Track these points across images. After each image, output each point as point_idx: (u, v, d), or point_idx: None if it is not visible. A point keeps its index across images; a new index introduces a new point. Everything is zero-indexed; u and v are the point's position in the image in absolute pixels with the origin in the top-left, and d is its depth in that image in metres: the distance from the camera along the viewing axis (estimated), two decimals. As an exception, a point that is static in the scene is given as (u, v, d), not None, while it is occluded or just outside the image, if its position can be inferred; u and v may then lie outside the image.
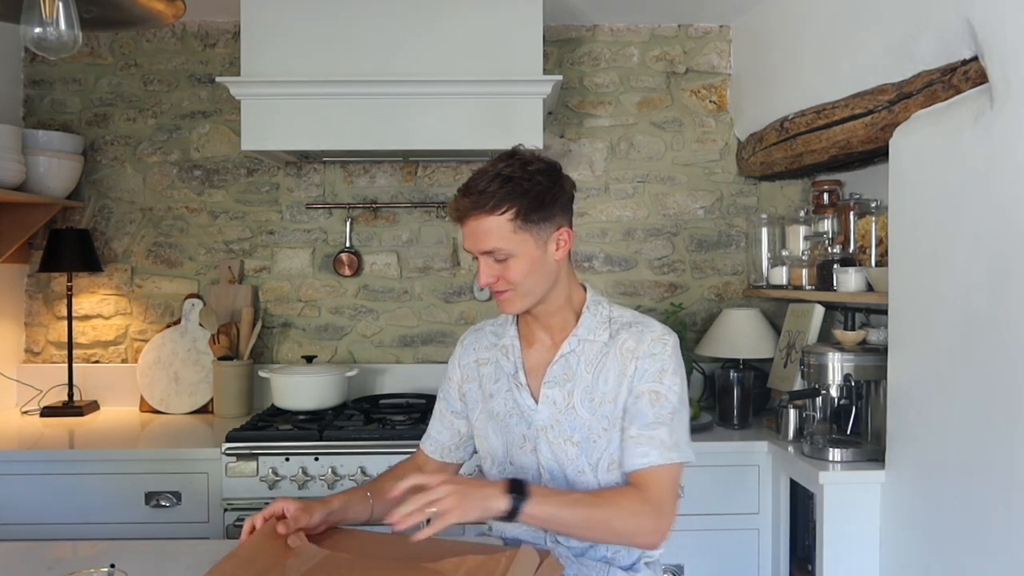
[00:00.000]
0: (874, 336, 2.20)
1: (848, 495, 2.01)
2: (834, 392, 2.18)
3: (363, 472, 2.27)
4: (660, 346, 1.47)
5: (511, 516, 1.29)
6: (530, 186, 1.42)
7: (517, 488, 1.31)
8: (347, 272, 2.88)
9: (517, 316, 1.58)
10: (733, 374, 2.56)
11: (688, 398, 1.52)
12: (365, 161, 2.89)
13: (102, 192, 2.89)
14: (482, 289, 2.88)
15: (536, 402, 1.51)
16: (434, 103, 2.45)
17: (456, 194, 1.45)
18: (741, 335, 2.69)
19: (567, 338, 1.51)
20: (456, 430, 1.65)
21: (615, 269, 2.94)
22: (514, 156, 1.45)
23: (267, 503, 2.22)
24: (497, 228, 1.41)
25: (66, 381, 2.76)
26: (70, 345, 2.74)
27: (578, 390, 1.48)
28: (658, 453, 1.41)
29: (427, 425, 1.70)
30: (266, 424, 2.43)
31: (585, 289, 1.57)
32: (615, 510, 1.37)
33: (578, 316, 1.53)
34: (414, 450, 1.72)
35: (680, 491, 1.47)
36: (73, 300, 2.78)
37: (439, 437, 1.67)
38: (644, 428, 1.43)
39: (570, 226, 1.50)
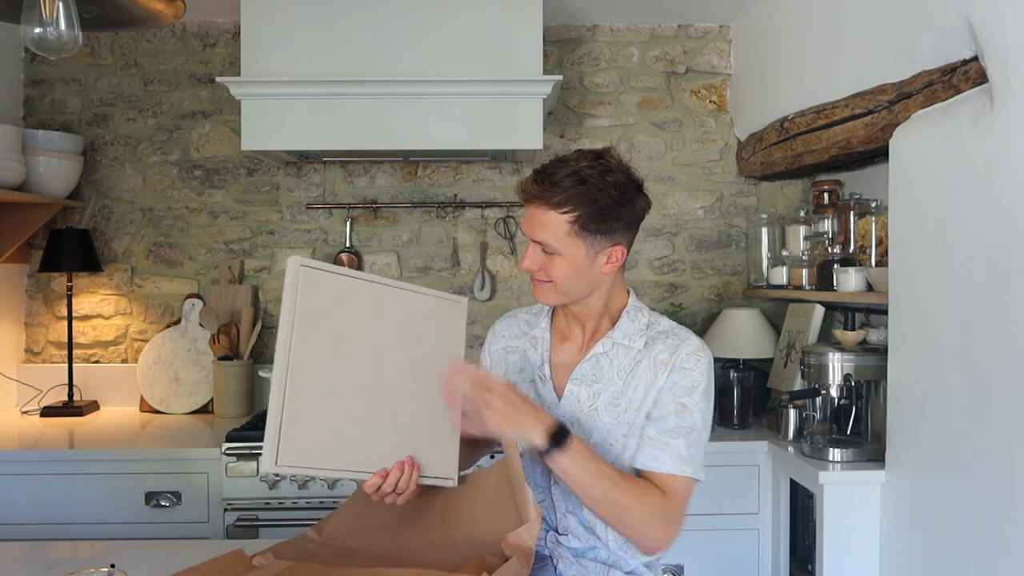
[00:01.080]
0: (874, 336, 2.20)
1: (848, 495, 2.01)
2: (834, 392, 2.18)
3: (363, 472, 2.27)
4: (694, 361, 1.45)
5: (542, 457, 1.32)
6: (600, 196, 1.38)
7: (560, 435, 1.31)
8: (347, 272, 2.88)
9: (553, 308, 1.58)
10: (733, 374, 2.56)
11: (711, 421, 1.49)
12: (365, 161, 2.89)
13: (102, 192, 2.89)
14: (482, 288, 2.88)
15: (559, 397, 1.51)
16: (434, 103, 2.45)
17: (530, 174, 1.43)
18: (741, 335, 2.69)
19: (601, 339, 1.50)
20: None
21: (615, 269, 2.94)
22: (600, 159, 1.42)
23: (267, 503, 2.24)
24: (553, 224, 1.39)
25: (66, 381, 2.76)
26: (70, 345, 2.74)
27: (605, 393, 1.47)
28: (671, 462, 1.40)
29: None
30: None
31: (628, 294, 1.55)
32: (636, 502, 1.35)
33: (614, 320, 1.52)
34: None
35: (688, 509, 1.47)
36: (73, 300, 2.78)
37: None
38: (663, 433, 1.42)
39: (629, 245, 1.47)
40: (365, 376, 1.37)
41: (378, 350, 1.39)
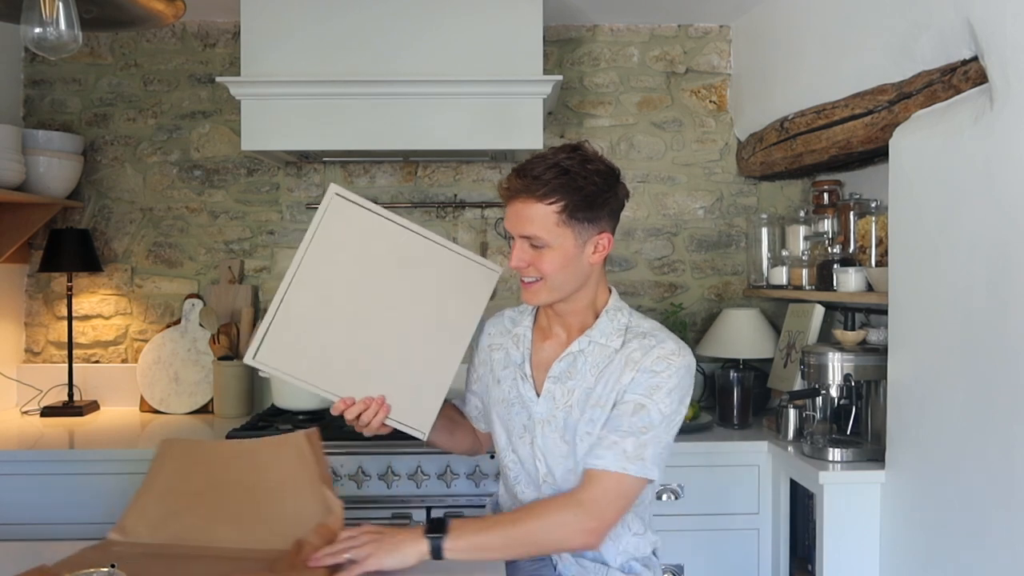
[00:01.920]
0: (874, 336, 2.20)
1: (848, 495, 2.01)
2: (834, 392, 2.18)
3: (363, 472, 2.27)
4: (664, 364, 1.44)
5: (435, 555, 1.32)
6: (584, 184, 1.40)
7: (436, 527, 1.34)
8: (347, 272, 2.88)
9: (537, 308, 1.59)
10: (733, 374, 2.55)
11: (681, 420, 1.48)
12: (365, 161, 2.89)
13: (102, 192, 2.89)
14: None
15: (538, 395, 1.52)
16: (434, 103, 2.45)
17: (510, 173, 1.44)
18: (741, 335, 2.69)
19: (579, 337, 1.51)
20: (474, 404, 1.72)
21: (615, 269, 2.94)
22: (576, 150, 1.44)
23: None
24: (541, 216, 1.40)
25: (66, 381, 2.76)
26: (70, 345, 2.74)
27: (578, 390, 1.49)
28: (613, 459, 1.39)
29: None
30: (266, 424, 2.43)
31: (610, 292, 1.56)
32: (538, 523, 1.37)
33: (598, 317, 1.53)
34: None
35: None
36: (73, 300, 2.78)
37: (467, 407, 1.74)
38: (612, 432, 1.42)
39: (613, 232, 1.49)
40: (366, 310, 1.44)
41: (390, 291, 1.46)
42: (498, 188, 1.49)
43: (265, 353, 1.38)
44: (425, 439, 1.50)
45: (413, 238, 1.48)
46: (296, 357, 1.40)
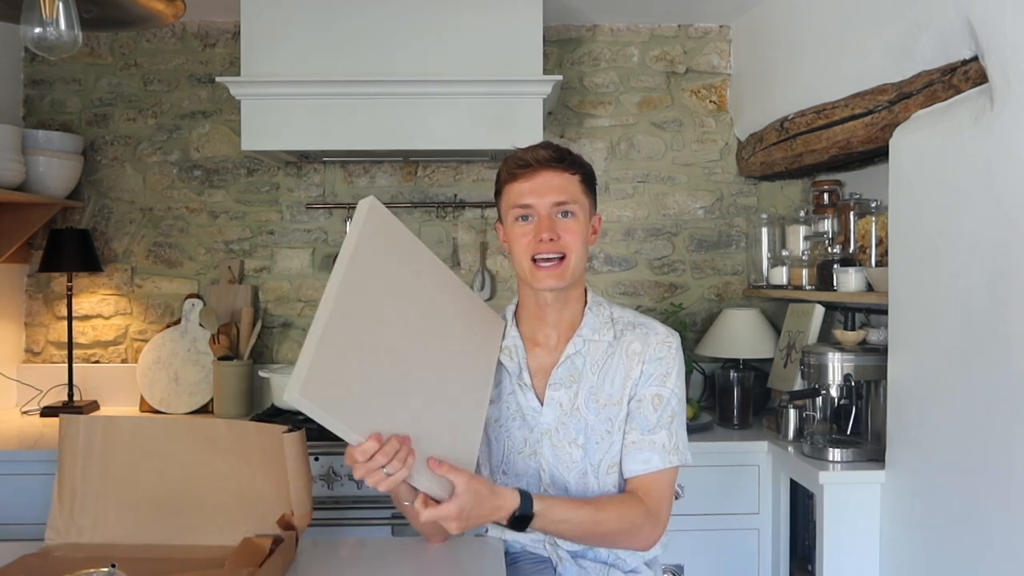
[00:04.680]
0: (874, 336, 2.20)
1: (848, 495, 2.01)
2: (834, 392, 2.18)
3: (363, 472, 2.27)
4: (665, 349, 1.49)
5: (523, 514, 1.28)
6: (584, 162, 1.50)
7: (525, 499, 1.29)
8: (347, 272, 2.88)
9: (517, 318, 1.57)
10: (733, 374, 2.56)
11: (686, 398, 1.54)
12: (365, 161, 2.89)
13: (102, 192, 2.89)
14: (482, 289, 2.88)
15: (541, 404, 1.50)
16: (434, 103, 2.45)
17: (527, 150, 1.47)
18: (741, 335, 2.69)
19: (572, 339, 1.50)
20: None
21: (615, 269, 2.94)
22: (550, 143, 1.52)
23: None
24: (571, 184, 1.46)
25: (66, 381, 2.76)
26: (70, 345, 2.74)
27: (583, 392, 1.48)
28: (659, 458, 1.44)
29: None
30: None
31: (585, 290, 1.57)
32: (617, 520, 1.38)
33: (582, 313, 1.53)
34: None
35: (678, 491, 1.49)
36: (73, 300, 2.78)
37: None
38: (645, 433, 1.45)
39: None
40: (401, 344, 1.27)
41: (423, 322, 1.32)
42: (509, 166, 1.47)
43: (311, 388, 1.09)
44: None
45: (440, 267, 1.39)
46: (340, 393, 1.14)
